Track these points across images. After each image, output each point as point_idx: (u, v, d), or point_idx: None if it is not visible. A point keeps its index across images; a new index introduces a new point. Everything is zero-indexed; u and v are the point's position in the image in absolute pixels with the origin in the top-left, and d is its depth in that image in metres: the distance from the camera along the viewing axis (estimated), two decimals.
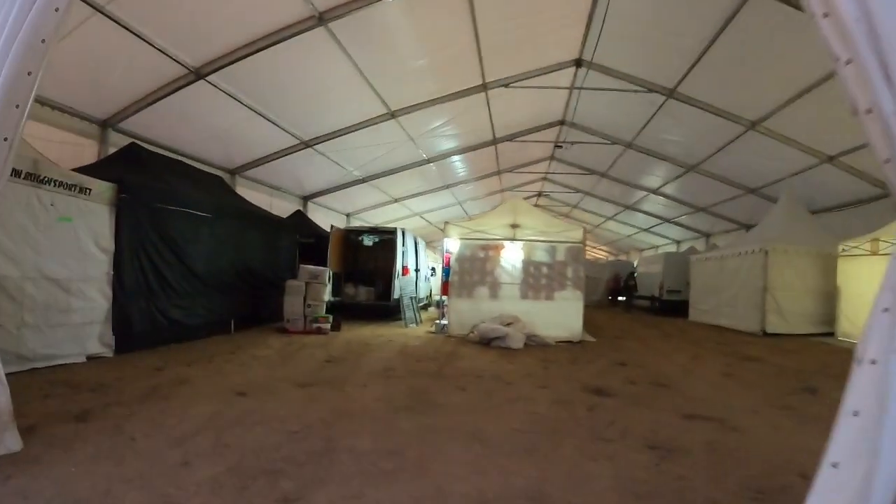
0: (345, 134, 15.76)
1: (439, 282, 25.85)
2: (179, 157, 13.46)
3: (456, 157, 21.22)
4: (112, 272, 9.15)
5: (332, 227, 17.10)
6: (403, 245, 17.24)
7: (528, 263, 13.71)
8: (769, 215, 18.26)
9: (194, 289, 11.09)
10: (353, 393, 7.17)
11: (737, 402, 7.39)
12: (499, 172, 24.68)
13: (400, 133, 16.86)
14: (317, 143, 15.92)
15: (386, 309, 16.80)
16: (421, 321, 16.48)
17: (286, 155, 16.00)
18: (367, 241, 19.18)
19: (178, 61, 10.55)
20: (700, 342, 14.50)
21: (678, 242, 32.12)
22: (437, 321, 14.49)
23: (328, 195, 20.73)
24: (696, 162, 19.31)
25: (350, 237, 19.09)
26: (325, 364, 9.13)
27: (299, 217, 18.71)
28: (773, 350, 13.14)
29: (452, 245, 13.73)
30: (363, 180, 20.18)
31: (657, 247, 35.37)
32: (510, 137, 20.26)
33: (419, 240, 20.93)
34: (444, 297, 14.13)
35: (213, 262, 11.72)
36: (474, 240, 13.72)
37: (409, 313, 15.84)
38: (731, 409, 6.96)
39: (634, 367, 10.13)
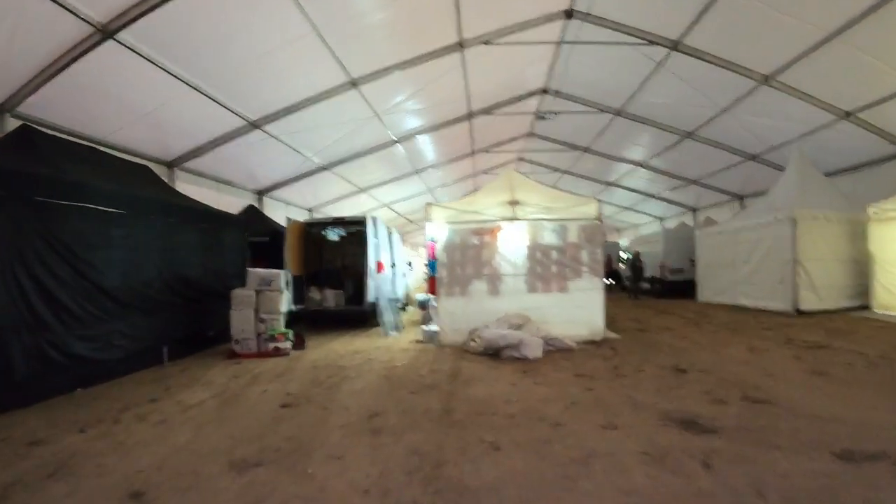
0: (299, 110, 12.63)
1: (417, 278, 22.93)
2: (103, 149, 10.29)
3: (426, 137, 18.14)
4: None
5: (287, 219, 13.86)
6: (376, 236, 14.08)
7: (533, 248, 10.86)
8: (781, 181, 15.70)
9: (105, 311, 7.95)
10: (322, 475, 4.23)
11: (885, 418, 5.13)
12: (472, 154, 21.68)
13: (363, 108, 13.80)
14: (266, 123, 12.77)
15: (360, 315, 13.64)
16: (403, 327, 13.40)
17: (231, 139, 12.79)
18: (332, 234, 15.94)
19: (76, 13, 7.48)
20: (737, 328, 11.94)
21: (661, 219, 29.74)
22: (425, 327, 11.48)
23: (286, 187, 17.42)
24: (694, 127, 16.92)
25: (311, 231, 15.75)
26: (280, 413, 6.07)
27: (251, 213, 15.46)
28: (824, 331, 10.85)
29: (438, 232, 10.76)
30: (324, 168, 16.98)
31: (638, 225, 32.89)
32: (487, 110, 17.34)
33: (393, 230, 17.67)
34: (432, 297, 11.12)
35: (132, 273, 8.58)
36: (465, 223, 10.78)
37: (388, 319, 12.74)
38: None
39: (696, 372, 7.57)
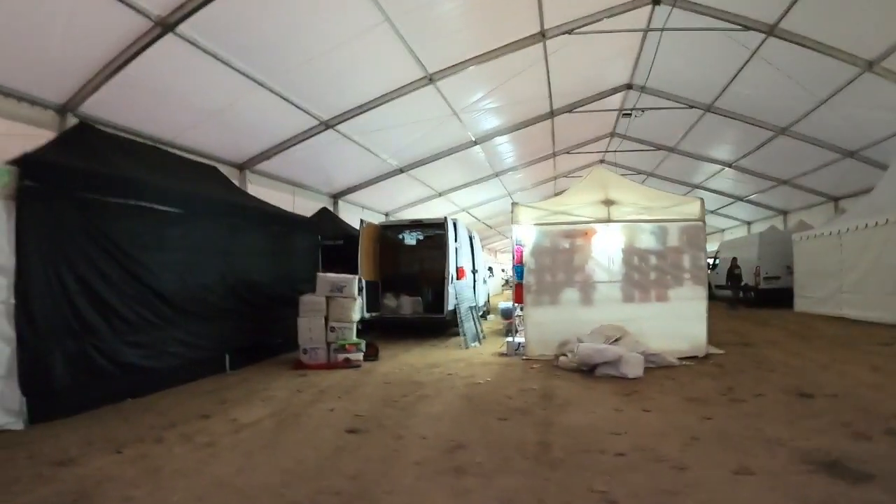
0: (373, 108, 11.74)
1: (496, 285, 21.69)
2: (170, 150, 9.74)
3: (505, 138, 16.98)
4: (14, 301, 5.49)
5: (361, 221, 12.88)
6: (456, 240, 12.81)
7: (630, 252, 9.55)
8: (886, 179, 13.68)
9: (160, 317, 7.28)
10: None
11: None
12: (553, 155, 20.34)
13: (440, 105, 12.79)
14: (340, 123, 11.97)
15: (438, 324, 12.59)
16: (484, 337, 12.15)
17: (304, 140, 12.07)
18: (409, 238, 15.00)
19: (132, 6, 6.79)
20: (849, 343, 10.31)
21: (749, 223, 27.39)
22: (509, 338, 10.20)
23: (361, 191, 16.68)
24: (789, 122, 14.95)
25: (387, 235, 14.72)
26: (345, 440, 5.06)
27: (324, 216, 14.71)
28: None
29: (525, 234, 9.57)
30: (401, 170, 16.10)
31: (723, 230, 30.47)
32: (569, 108, 16.00)
33: (474, 232, 16.49)
34: (518, 306, 9.96)
35: (191, 277, 7.91)
36: (555, 225, 9.55)
37: (469, 329, 11.47)
38: None
39: (824, 397, 6.28)
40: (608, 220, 9.49)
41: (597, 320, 9.12)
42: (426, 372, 8.33)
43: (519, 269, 9.40)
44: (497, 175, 20.24)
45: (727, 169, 20.63)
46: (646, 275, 9.51)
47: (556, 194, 23.12)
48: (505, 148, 18.18)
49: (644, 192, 10.63)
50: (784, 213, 23.69)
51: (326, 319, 8.92)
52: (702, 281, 9.47)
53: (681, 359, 8.63)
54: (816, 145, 15.65)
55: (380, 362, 9.25)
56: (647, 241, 9.54)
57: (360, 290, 10.34)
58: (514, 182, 22.72)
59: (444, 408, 6.16)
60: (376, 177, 16.13)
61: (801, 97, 13.28)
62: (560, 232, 9.48)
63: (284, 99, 10.25)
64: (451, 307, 11.89)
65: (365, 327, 10.44)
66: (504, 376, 7.94)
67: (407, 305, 13.05)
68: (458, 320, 11.24)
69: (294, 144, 12.16)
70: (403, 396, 6.71)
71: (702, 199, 9.71)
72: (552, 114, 16.01)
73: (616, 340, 8.45)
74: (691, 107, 15.91)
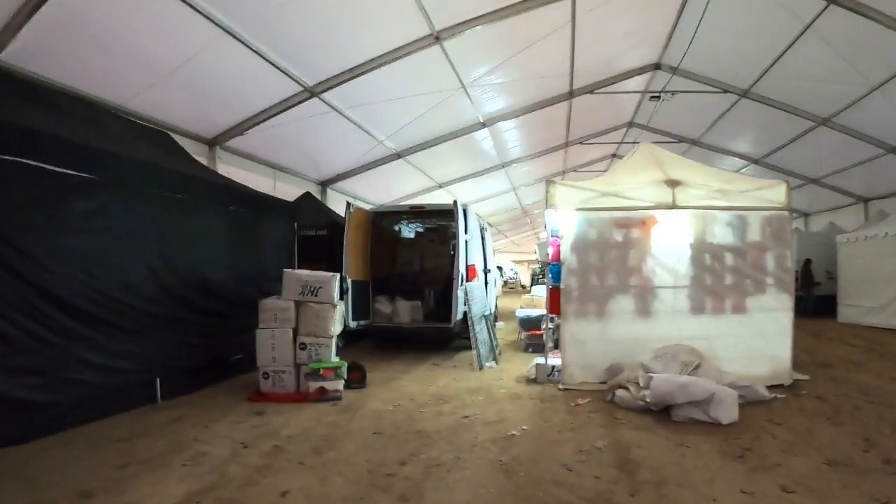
0: (368, 71, 9.17)
1: (496, 289, 18.81)
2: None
3: (516, 122, 14.39)
4: None
5: (348, 205, 9.77)
6: (467, 232, 9.60)
7: (700, 249, 7.04)
8: None
9: (56, 330, 4.79)
10: None
11: None
12: (566, 145, 17.73)
13: (447, 74, 10.22)
14: (327, 90, 9.40)
15: (444, 335, 9.94)
16: (500, 353, 9.29)
17: (285, 110, 9.49)
18: (408, 230, 12.37)
19: None
20: None
21: None
22: (539, 360, 7.47)
23: (353, 178, 13.99)
24: (833, 112, 12.43)
25: (381, 224, 11.65)
26: None
27: (307, 201, 11.94)
28: None
29: (564, 222, 6.97)
30: (398, 155, 13.50)
31: None
32: (591, 88, 13.47)
33: (484, 222, 13.74)
34: (553, 317, 7.38)
35: (106, 272, 5.32)
36: (605, 210, 6.97)
37: (483, 343, 8.47)
38: None
39: None
40: (673, 206, 6.92)
41: (656, 338, 6.63)
42: (433, 412, 5.72)
43: (556, 268, 6.80)
44: (504, 166, 17.63)
45: (752, 165, 18.15)
46: (720, 278, 7.01)
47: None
48: (513, 134, 15.57)
49: (713, 171, 8.14)
50: (805, 215, 21.23)
51: (296, 332, 6.34)
52: (787, 287, 6.99)
53: (768, 387, 6.20)
54: (859, 139, 13.14)
55: (368, 391, 6.61)
56: (722, 234, 7.03)
57: (343, 292, 7.82)
58: (518, 176, 20.10)
59: (472, 495, 3.62)
60: (370, 162, 13.50)
61: (852, 81, 10.79)
62: (611, 220, 6.89)
63: (259, 55, 7.76)
64: (459, 315, 9.04)
65: (351, 339, 7.91)
66: (546, 421, 5.37)
67: (404, 312, 10.24)
68: (470, 333, 8.36)
69: (273, 115, 9.59)
70: (402, 465, 4.11)
71: (787, 182, 7.23)
72: (571, 94, 13.43)
73: (695, 369, 5.97)
74: (725, 91, 13.45)
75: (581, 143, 17.66)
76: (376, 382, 6.96)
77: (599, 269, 6.90)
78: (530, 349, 9.20)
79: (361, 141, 12.10)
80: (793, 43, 10.16)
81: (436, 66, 9.86)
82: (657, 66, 13.32)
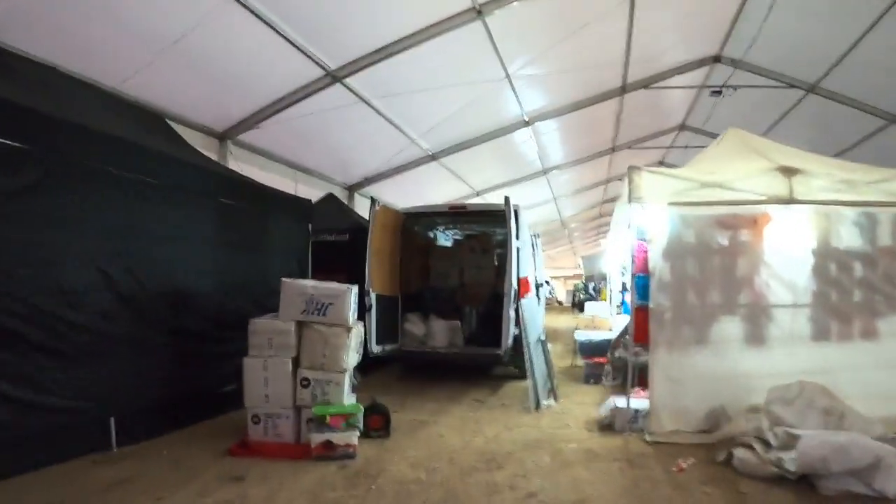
0: (399, 52, 7.58)
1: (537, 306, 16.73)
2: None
3: (560, 122, 12.52)
4: None
5: (373, 202, 7.67)
6: (518, 237, 7.44)
7: (824, 256, 5.18)
8: None
9: None
10: None
11: None
12: (612, 150, 15.83)
13: (489, 59, 8.55)
14: (352, 74, 7.86)
15: (492, 362, 7.92)
16: (557, 386, 6.99)
17: (304, 98, 7.99)
18: (444, 237, 10.50)
19: None
20: None
21: None
22: (615, 401, 5.39)
23: (383, 182, 12.36)
24: None
25: (414, 228, 9.47)
26: None
27: (329, 203, 10.20)
28: None
29: (652, 221, 5.15)
30: (432, 157, 11.87)
31: None
32: (646, 83, 11.66)
33: (535, 231, 11.82)
34: (639, 347, 5.48)
35: (34, 276, 3.72)
36: (707, 206, 5.11)
37: (540, 376, 6.37)
38: None
39: None
40: (790, 200, 5.05)
41: (769, 373, 4.76)
42: (483, 484, 3.87)
43: (642, 281, 4.97)
44: (545, 172, 15.82)
45: None
46: (847, 294, 5.16)
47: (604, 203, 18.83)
48: (556, 137, 13.79)
49: (834, 161, 6.28)
50: None
51: (296, 363, 4.63)
52: None
53: None
54: None
55: (391, 444, 4.77)
56: (848, 236, 5.18)
57: (368, 308, 6.12)
58: (558, 185, 18.20)
59: None
60: (401, 165, 11.94)
61: None
62: (714, 219, 5.07)
63: (272, 27, 6.32)
64: (510, 340, 6.88)
65: (374, 363, 6.21)
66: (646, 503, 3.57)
67: (440, 334, 8.17)
68: (525, 363, 6.35)
69: (291, 104, 8.13)
70: None
71: None
72: (623, 89, 11.67)
73: (840, 418, 4.12)
74: (791, 86, 11.50)
75: (630, 147, 15.73)
76: (403, 429, 5.14)
77: (699, 282, 5.05)
78: (591, 380, 7.32)
79: (392, 140, 10.53)
80: (873, 25, 8.22)
81: (476, 49, 8.29)
82: (717, 59, 11.47)
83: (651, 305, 4.96)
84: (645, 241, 5.11)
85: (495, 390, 7.18)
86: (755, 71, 11.36)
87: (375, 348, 6.78)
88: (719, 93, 12.35)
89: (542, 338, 6.81)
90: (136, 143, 4.58)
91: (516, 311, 6.47)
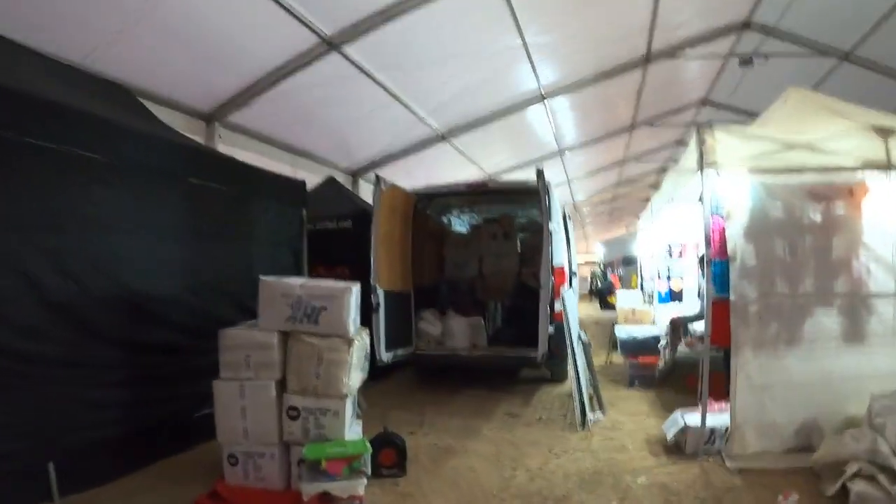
0: (403, 13, 6.47)
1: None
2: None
3: (574, 99, 11.26)
4: None
5: (378, 181, 6.39)
6: (551, 218, 6.14)
7: None
8: None
9: None
10: None
11: None
12: (631, 128, 14.60)
13: (503, 20, 7.40)
14: (351, 41, 6.79)
15: (526, 366, 6.76)
16: (601, 397, 5.63)
17: (299, 69, 6.94)
18: (460, 223, 9.24)
19: None
20: None
21: None
22: (686, 418, 4.18)
23: (389, 166, 11.16)
24: None
25: (427, 211, 8.27)
26: None
27: (329, 187, 8.92)
28: None
29: (727, 192, 3.97)
30: (442, 137, 10.73)
31: None
32: (672, 51, 10.46)
33: (567, 211, 9.90)
34: (716, 349, 4.30)
35: None
36: (793, 172, 3.95)
37: (584, 386, 5.06)
38: None
39: None
40: (889, 166, 3.96)
41: (870, 376, 3.75)
42: None
43: (719, 267, 3.87)
44: (560, 154, 14.64)
45: None
46: None
47: (618, 185, 17.72)
48: (570, 115, 12.62)
49: None
50: None
51: (282, 385, 3.55)
52: None
53: None
54: None
55: (409, 485, 3.65)
56: None
57: (375, 308, 5.04)
58: (572, 167, 16.99)
59: None
60: (409, 146, 10.84)
61: None
62: (803, 189, 3.96)
63: None
64: (546, 340, 5.58)
65: (380, 372, 5.15)
66: None
67: (461, 334, 6.86)
68: (573, 372, 5.12)
69: (282, 78, 7.05)
70: None
71: None
72: (647, 59, 10.50)
73: None
74: (824, 55, 10.30)
75: (650, 124, 14.49)
76: (423, 460, 4.03)
77: (789, 267, 3.93)
78: (636, 383, 6.21)
79: (398, 118, 9.44)
80: None
81: (492, 12, 7.19)
82: (746, 25, 10.30)
83: (732, 297, 3.84)
84: (721, 216, 3.97)
85: (528, 399, 6.03)
86: (786, 38, 10.25)
87: (385, 356, 5.62)
88: (749, 62, 11.16)
89: (585, 338, 5.59)
90: (73, 107, 3.49)
91: (551, 305, 5.33)
